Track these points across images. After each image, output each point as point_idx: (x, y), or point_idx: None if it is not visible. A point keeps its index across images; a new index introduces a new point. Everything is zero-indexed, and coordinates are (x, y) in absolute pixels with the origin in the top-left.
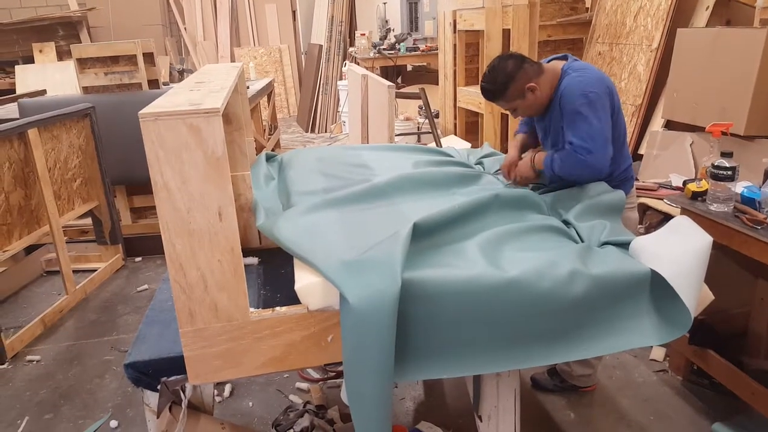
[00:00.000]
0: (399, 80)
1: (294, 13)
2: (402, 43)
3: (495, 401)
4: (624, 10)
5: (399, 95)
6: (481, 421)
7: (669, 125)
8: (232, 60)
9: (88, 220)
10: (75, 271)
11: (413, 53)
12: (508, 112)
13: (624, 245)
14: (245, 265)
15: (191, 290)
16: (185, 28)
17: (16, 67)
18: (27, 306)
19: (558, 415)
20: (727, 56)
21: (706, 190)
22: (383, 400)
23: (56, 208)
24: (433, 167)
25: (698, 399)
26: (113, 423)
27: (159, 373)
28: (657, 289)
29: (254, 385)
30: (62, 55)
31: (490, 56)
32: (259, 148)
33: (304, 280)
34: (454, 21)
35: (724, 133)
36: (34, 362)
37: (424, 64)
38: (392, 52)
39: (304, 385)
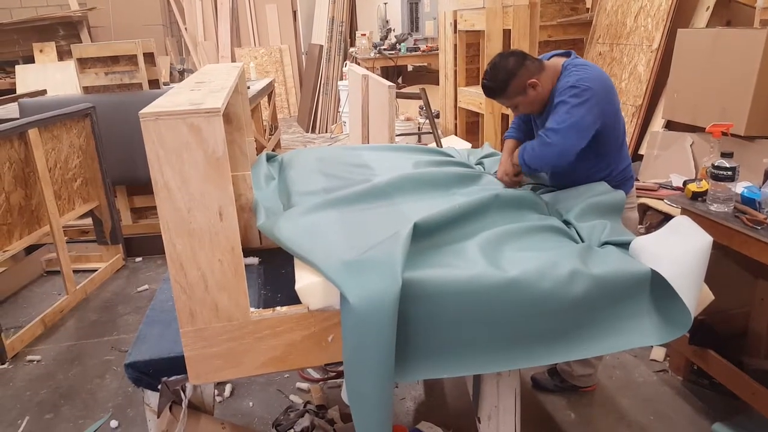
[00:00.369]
0: (399, 80)
1: (294, 13)
2: (402, 44)
3: (495, 401)
4: (624, 11)
5: (399, 95)
6: (481, 421)
7: (669, 125)
8: (233, 60)
9: (89, 220)
10: (75, 271)
11: (414, 53)
12: (509, 111)
13: (624, 245)
14: (246, 265)
15: (192, 290)
16: (186, 28)
17: (16, 66)
18: (27, 306)
19: (558, 415)
20: (727, 57)
21: (707, 190)
22: (384, 400)
23: (56, 208)
24: (434, 167)
25: (698, 399)
26: (113, 423)
27: (159, 372)
28: (657, 289)
29: (254, 385)
30: (63, 54)
31: (490, 56)
32: (260, 148)
33: (304, 280)
34: (455, 21)
35: (724, 134)
36: (35, 362)
37: (425, 64)
38: (393, 52)
39: (304, 385)
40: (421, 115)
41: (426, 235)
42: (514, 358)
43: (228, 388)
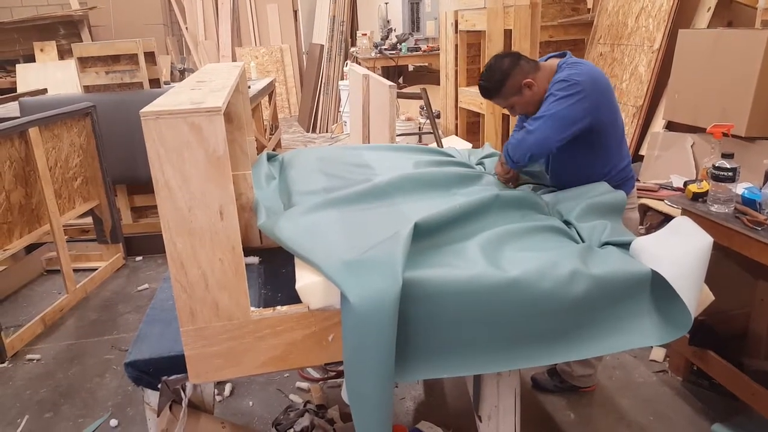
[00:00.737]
0: (400, 80)
1: (295, 12)
2: (403, 43)
3: (495, 401)
4: (625, 11)
5: (400, 95)
6: (481, 421)
7: (670, 126)
8: (234, 59)
9: (89, 219)
10: (75, 270)
11: (415, 53)
12: (507, 111)
13: (625, 246)
14: (246, 265)
15: (192, 289)
16: (186, 28)
17: (17, 65)
18: (27, 305)
19: (558, 415)
20: (728, 57)
21: (707, 191)
22: (384, 399)
23: (57, 206)
24: (434, 167)
25: (698, 399)
26: (113, 422)
27: (159, 371)
28: (657, 289)
29: (254, 385)
30: (63, 53)
31: (493, 55)
32: (260, 148)
33: (305, 280)
34: (456, 21)
35: (725, 135)
36: (35, 361)
37: (426, 64)
38: (394, 52)
39: (304, 385)
40: (421, 115)
41: (426, 235)
42: (514, 358)
43: (228, 387)
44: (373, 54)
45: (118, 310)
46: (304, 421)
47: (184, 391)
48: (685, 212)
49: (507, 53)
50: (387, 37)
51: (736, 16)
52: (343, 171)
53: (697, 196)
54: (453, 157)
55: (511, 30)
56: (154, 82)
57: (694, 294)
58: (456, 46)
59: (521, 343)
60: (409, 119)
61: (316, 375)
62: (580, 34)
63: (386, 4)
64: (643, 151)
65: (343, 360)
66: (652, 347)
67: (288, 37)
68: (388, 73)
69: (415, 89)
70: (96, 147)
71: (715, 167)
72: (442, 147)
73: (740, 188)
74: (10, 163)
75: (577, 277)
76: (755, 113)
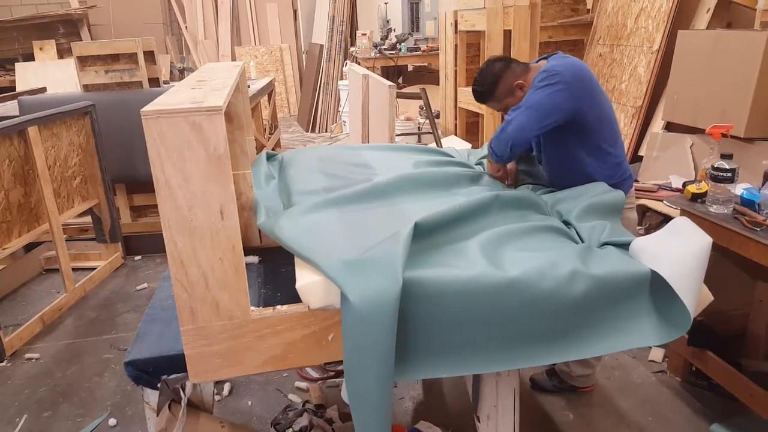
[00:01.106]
0: (400, 80)
1: (295, 12)
2: (403, 43)
3: (494, 401)
4: (625, 12)
5: (400, 95)
6: (480, 421)
7: (669, 127)
8: (233, 59)
9: (88, 218)
10: (74, 269)
11: (414, 53)
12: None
13: (624, 246)
14: (246, 264)
15: (192, 288)
16: (186, 27)
17: (16, 64)
18: (26, 304)
19: (557, 415)
20: (727, 59)
21: (706, 191)
22: (383, 399)
23: (56, 205)
24: (434, 167)
25: (697, 400)
26: (112, 421)
27: (159, 371)
28: (657, 289)
29: (253, 384)
30: (63, 52)
31: (490, 57)
32: (260, 148)
33: (305, 279)
34: (456, 21)
35: (724, 135)
36: (33, 360)
37: (425, 64)
38: (393, 52)
39: (303, 385)
40: (421, 115)
41: (426, 235)
42: (513, 358)
43: (227, 387)
44: (372, 54)
45: (117, 309)
46: (303, 421)
47: (183, 390)
48: (684, 213)
49: (498, 58)
50: (386, 37)
51: (735, 18)
52: (342, 171)
53: (696, 197)
54: (452, 157)
55: (510, 30)
56: (154, 82)
57: (693, 294)
58: (455, 46)
59: (521, 343)
60: (408, 119)
61: (315, 375)
62: (579, 34)
63: (386, 4)
64: (642, 152)
65: (342, 359)
66: (651, 347)
67: (287, 37)
68: (388, 73)
69: (414, 89)
70: (95, 146)
71: (714, 168)
72: (442, 147)
73: (739, 189)
74: (9, 161)
75: (577, 277)
76: (754, 114)
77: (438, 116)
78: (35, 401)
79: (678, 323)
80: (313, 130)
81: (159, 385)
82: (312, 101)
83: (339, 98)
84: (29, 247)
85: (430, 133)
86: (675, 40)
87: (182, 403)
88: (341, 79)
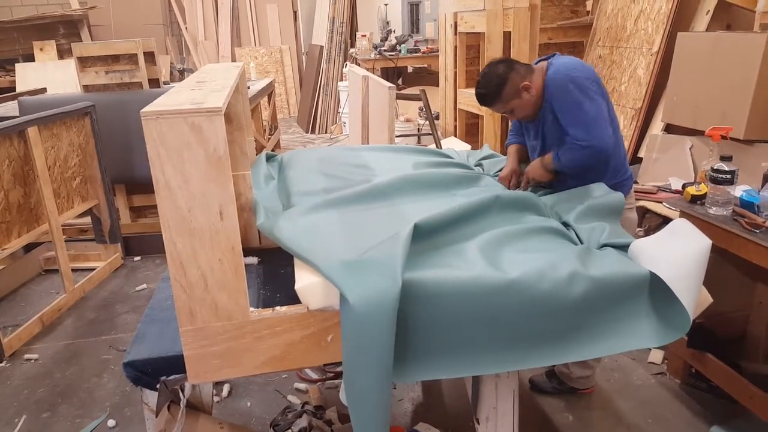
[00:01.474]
0: (399, 82)
1: (295, 13)
2: (403, 45)
3: (494, 402)
4: (625, 14)
5: (399, 96)
6: (480, 422)
7: (669, 129)
8: (233, 60)
9: (88, 219)
10: (74, 270)
11: (414, 55)
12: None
13: (623, 247)
14: (245, 265)
15: (191, 289)
16: (186, 28)
17: (16, 65)
18: (25, 304)
19: (556, 417)
20: (727, 60)
21: (706, 193)
22: (382, 400)
23: (55, 206)
24: (433, 168)
25: (696, 402)
26: (111, 422)
27: (158, 372)
28: (656, 291)
29: (253, 386)
30: (63, 53)
31: (490, 59)
32: (259, 148)
33: (304, 280)
34: (455, 23)
35: (723, 137)
36: (32, 361)
37: (425, 65)
38: (393, 53)
39: (302, 386)
40: (420, 117)
41: (426, 236)
42: (513, 359)
43: (226, 388)
44: (372, 55)
45: (116, 310)
46: (302, 422)
47: (182, 391)
48: (683, 214)
49: (500, 59)
50: (386, 39)
51: (734, 20)
52: (342, 172)
53: (696, 199)
54: (452, 158)
55: (510, 32)
56: (154, 82)
57: (692, 296)
58: (455, 47)
59: (520, 344)
60: (408, 120)
61: (314, 376)
62: (579, 36)
63: (386, 5)
64: (641, 154)
65: (341, 361)
66: (650, 349)
67: (287, 38)
68: (388, 74)
69: (414, 90)
70: (95, 146)
71: (713, 170)
72: (441, 148)
73: (738, 191)
74: (9, 162)
75: (576, 278)
76: (754, 116)
77: (437, 117)
78: (34, 402)
79: (677, 325)
80: (312, 131)
81: (158, 386)
82: (312, 102)
83: (339, 99)
84: (29, 248)
85: (429, 134)
86: (674, 42)
87: (181, 404)
88: (341, 80)
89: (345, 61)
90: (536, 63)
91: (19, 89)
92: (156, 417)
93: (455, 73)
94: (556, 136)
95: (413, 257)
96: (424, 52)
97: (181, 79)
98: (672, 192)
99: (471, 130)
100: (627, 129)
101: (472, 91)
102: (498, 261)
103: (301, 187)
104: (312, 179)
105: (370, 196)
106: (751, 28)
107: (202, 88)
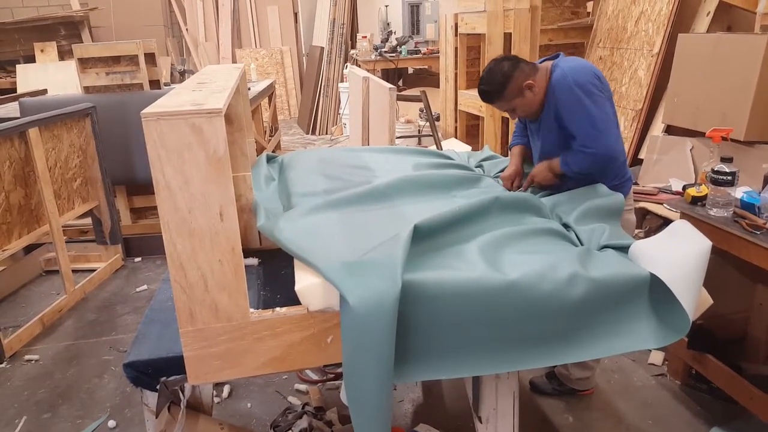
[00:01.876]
0: (400, 83)
1: (296, 14)
2: (403, 46)
3: (494, 403)
4: (625, 15)
5: (400, 98)
6: (480, 423)
7: (669, 130)
8: (234, 61)
9: (88, 220)
10: (74, 271)
11: (414, 56)
12: (507, 115)
13: (623, 249)
14: (245, 266)
15: (191, 290)
16: (187, 29)
17: (17, 66)
18: (26, 305)
19: (556, 418)
20: (727, 62)
21: (706, 194)
22: (383, 401)
23: (56, 207)
24: (434, 170)
25: (696, 403)
26: (111, 423)
27: (158, 372)
28: (656, 292)
29: (253, 386)
30: (64, 54)
31: (492, 58)
32: (260, 150)
33: (304, 281)
34: (456, 24)
35: (724, 139)
36: (33, 361)
37: (426, 67)
38: (393, 54)
39: (302, 387)
40: (421, 118)
41: (426, 237)
42: (513, 360)
43: (226, 389)
44: (372, 56)
45: (116, 311)
46: (303, 423)
47: (182, 392)
48: (683, 216)
49: (504, 57)
50: (387, 40)
51: (735, 21)
52: (342, 173)
53: (696, 200)
54: (452, 159)
55: (510, 33)
56: (154, 84)
57: (692, 297)
58: (456, 49)
59: (520, 345)
60: (408, 122)
61: (314, 377)
62: (579, 37)
63: (386, 6)
64: (642, 155)
65: (342, 362)
66: (650, 351)
67: (288, 39)
68: (388, 75)
69: (414, 92)
70: (96, 148)
71: (714, 171)
72: (442, 149)
73: (739, 192)
74: (10, 163)
75: (576, 279)
76: (754, 117)
77: (438, 119)
78: (35, 403)
79: (677, 326)
80: (313, 133)
81: (158, 387)
82: (312, 103)
83: (339, 100)
84: (29, 249)
85: (430, 135)
86: (675, 44)
87: (181, 405)
88: (341, 81)
89: (345, 62)
90: (541, 62)
91: (20, 90)
92: (156, 418)
93: (456, 74)
94: (556, 138)
95: (413, 258)
96: (424, 54)
97: (182, 80)
98: (672, 193)
99: (471, 132)
100: (627, 130)
101: (473, 92)
102: (498, 262)
103: (301, 189)
104: (312, 180)
105: (371, 198)
106: (751, 30)
107: (202, 89)
